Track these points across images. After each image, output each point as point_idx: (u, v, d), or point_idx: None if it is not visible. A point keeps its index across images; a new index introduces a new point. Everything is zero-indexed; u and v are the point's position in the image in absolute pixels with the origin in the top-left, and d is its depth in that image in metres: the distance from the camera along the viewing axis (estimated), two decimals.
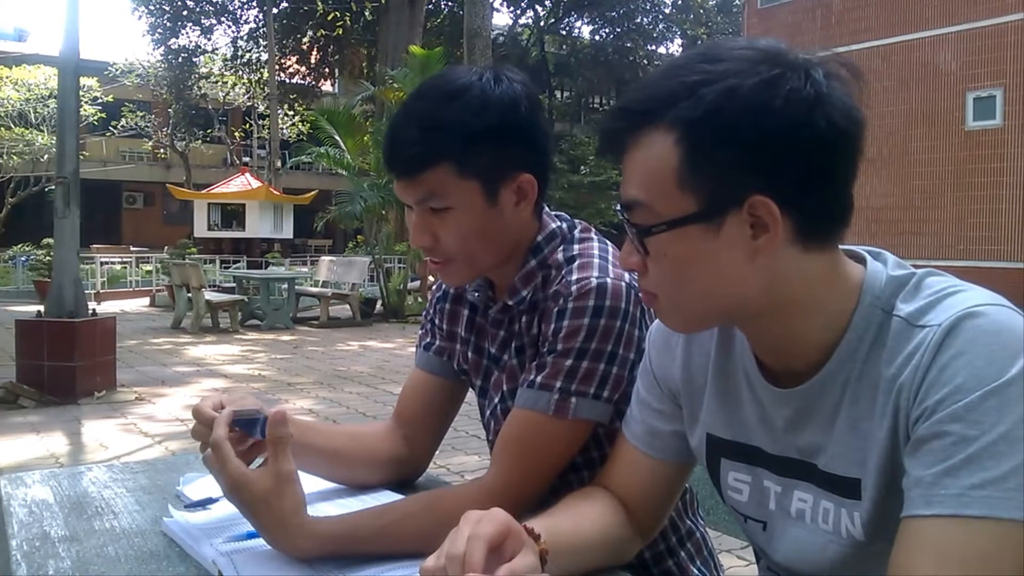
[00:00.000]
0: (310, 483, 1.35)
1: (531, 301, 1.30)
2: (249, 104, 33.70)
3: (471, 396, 1.50)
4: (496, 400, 1.38)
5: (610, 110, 0.92)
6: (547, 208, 1.35)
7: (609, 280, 1.21)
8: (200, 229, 23.57)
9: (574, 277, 1.23)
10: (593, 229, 1.37)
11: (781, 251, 0.86)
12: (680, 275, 0.88)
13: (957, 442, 0.77)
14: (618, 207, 0.91)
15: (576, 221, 1.37)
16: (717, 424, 1.06)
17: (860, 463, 0.89)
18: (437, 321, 1.48)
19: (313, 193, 24.36)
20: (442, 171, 1.19)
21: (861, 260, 0.94)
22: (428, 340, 1.48)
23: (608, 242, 1.34)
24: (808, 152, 0.83)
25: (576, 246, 1.31)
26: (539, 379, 1.21)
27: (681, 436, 1.12)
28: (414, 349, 1.53)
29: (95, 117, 26.01)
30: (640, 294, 1.24)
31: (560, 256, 1.30)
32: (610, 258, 1.28)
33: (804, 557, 0.98)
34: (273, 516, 1.05)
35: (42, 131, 24.67)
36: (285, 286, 14.13)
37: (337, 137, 14.52)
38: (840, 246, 0.92)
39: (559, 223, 1.34)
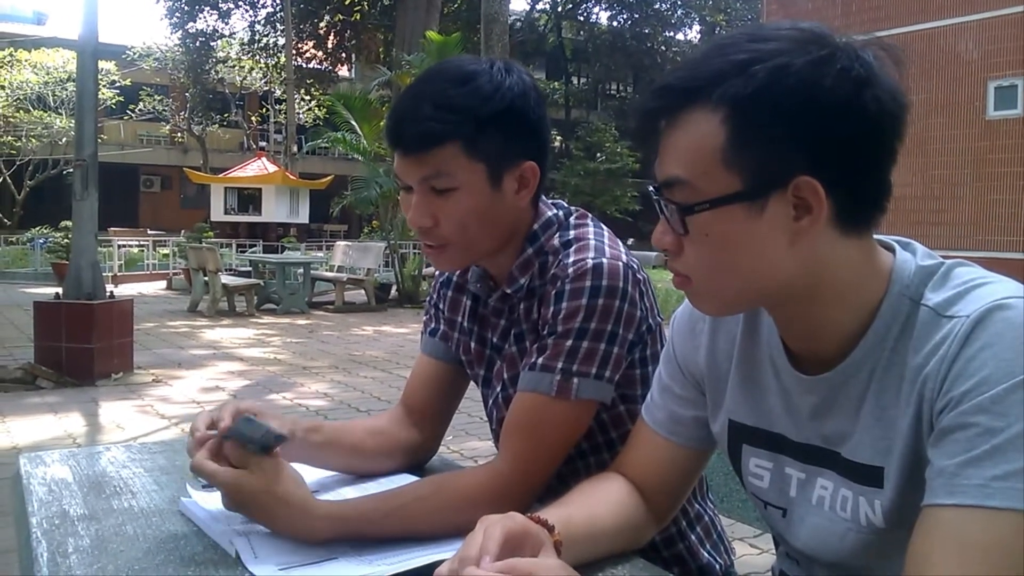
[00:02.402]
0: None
1: (529, 288, 1.31)
2: (266, 89, 33.78)
3: None
4: (498, 389, 1.39)
5: (650, 89, 0.90)
6: (543, 197, 1.35)
7: (605, 260, 1.22)
8: (217, 213, 23.65)
9: (571, 260, 1.23)
10: (589, 215, 1.37)
11: (821, 234, 0.86)
12: (719, 255, 0.87)
13: (982, 433, 0.77)
14: (652, 187, 0.90)
15: (572, 208, 1.38)
16: (740, 410, 1.06)
17: (884, 451, 0.89)
18: (441, 306, 1.48)
19: (329, 178, 24.39)
20: (451, 150, 1.19)
21: (890, 249, 0.93)
22: (433, 326, 1.49)
23: (604, 226, 1.34)
24: (856, 133, 0.83)
25: (572, 231, 1.31)
26: (541, 361, 1.21)
27: (702, 422, 1.12)
28: None
29: (113, 101, 26.18)
30: (639, 276, 1.25)
31: (556, 242, 1.30)
32: (606, 240, 1.28)
33: (823, 544, 0.98)
34: (281, 507, 1.05)
35: (60, 114, 24.84)
36: (301, 270, 14.16)
37: (353, 122, 14.49)
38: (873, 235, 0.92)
39: (555, 211, 1.34)
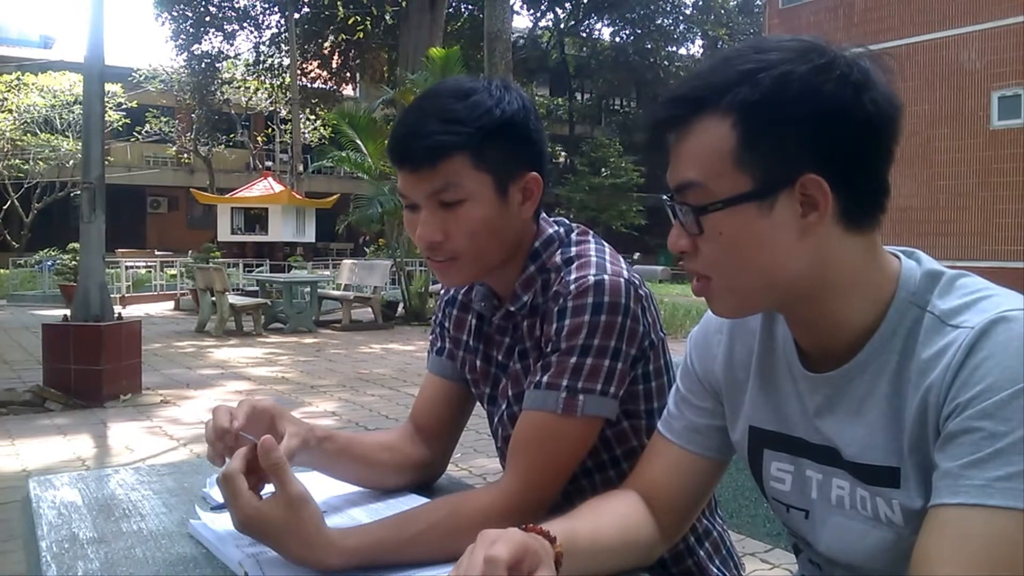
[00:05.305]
0: (339, 488, 1.37)
1: (532, 305, 1.31)
2: (271, 109, 33.93)
3: None
4: (503, 407, 1.39)
5: (661, 100, 0.96)
6: (544, 214, 1.36)
7: (607, 277, 1.22)
8: (223, 233, 23.75)
9: (572, 276, 1.24)
10: (590, 232, 1.38)
11: (827, 230, 0.91)
12: (733, 252, 0.92)
13: (986, 437, 0.80)
14: (666, 195, 0.95)
15: (573, 225, 1.39)
16: (760, 416, 1.08)
17: (896, 452, 0.92)
18: (446, 324, 1.49)
19: (335, 197, 24.49)
20: (459, 161, 1.21)
21: (896, 258, 0.97)
22: (439, 345, 1.49)
23: (605, 243, 1.35)
24: (857, 133, 0.89)
25: (574, 248, 1.32)
26: (545, 379, 1.22)
27: (720, 431, 1.14)
28: None
29: (120, 123, 26.31)
30: (640, 292, 1.26)
31: (558, 259, 1.31)
32: (607, 257, 1.29)
33: (845, 545, 1.00)
34: (296, 541, 1.04)
35: (67, 137, 24.97)
36: (307, 289, 14.19)
37: (358, 141, 14.54)
38: (878, 236, 0.96)
39: (556, 228, 1.35)
